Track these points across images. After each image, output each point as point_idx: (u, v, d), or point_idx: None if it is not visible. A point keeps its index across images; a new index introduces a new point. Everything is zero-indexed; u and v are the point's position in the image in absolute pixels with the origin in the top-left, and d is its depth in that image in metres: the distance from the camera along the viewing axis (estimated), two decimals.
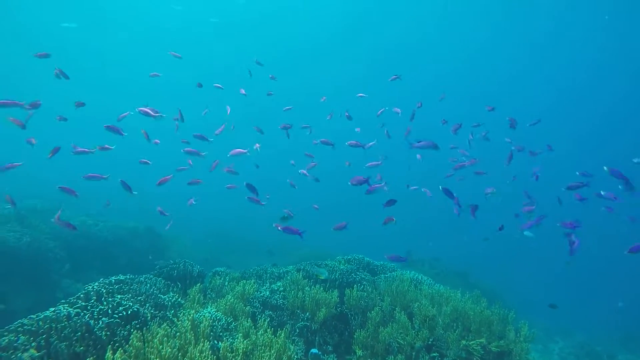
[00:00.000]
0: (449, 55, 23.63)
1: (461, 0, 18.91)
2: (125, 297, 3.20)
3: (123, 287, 3.35)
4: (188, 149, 6.36)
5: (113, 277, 3.49)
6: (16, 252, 6.72)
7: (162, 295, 3.49)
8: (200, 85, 7.31)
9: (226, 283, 4.92)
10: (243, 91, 7.65)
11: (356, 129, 8.58)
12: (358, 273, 5.81)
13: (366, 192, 5.69)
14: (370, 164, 7.25)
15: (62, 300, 3.44)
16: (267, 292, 5.02)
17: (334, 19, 20.61)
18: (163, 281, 3.81)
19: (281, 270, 5.80)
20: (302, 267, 5.61)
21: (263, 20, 20.38)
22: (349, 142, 6.94)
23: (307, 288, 4.89)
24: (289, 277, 5.39)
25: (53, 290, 6.91)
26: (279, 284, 5.40)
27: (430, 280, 6.37)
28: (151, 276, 3.80)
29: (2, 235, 6.70)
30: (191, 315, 2.88)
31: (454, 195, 5.92)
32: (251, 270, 5.77)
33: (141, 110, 5.79)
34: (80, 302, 3.15)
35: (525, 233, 6.77)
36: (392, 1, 19.27)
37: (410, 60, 23.66)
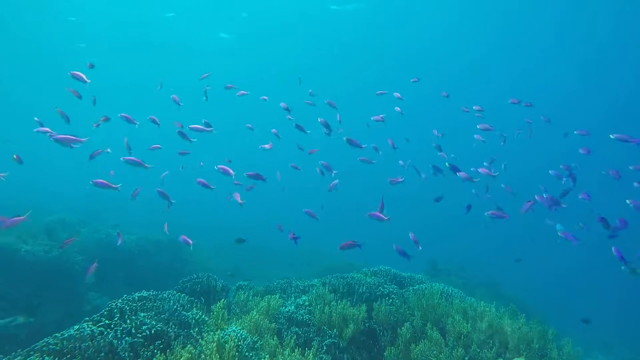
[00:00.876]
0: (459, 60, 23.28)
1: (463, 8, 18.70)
2: (149, 315, 3.11)
3: (146, 304, 3.27)
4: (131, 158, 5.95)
5: (136, 294, 3.41)
6: (45, 265, 6.83)
7: (185, 313, 3.38)
8: (206, 93, 7.46)
9: (250, 297, 4.80)
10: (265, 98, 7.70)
11: (396, 109, 8.24)
12: (386, 286, 5.57)
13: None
14: (392, 179, 7.10)
15: (87, 318, 3.38)
16: (293, 307, 4.86)
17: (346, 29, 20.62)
18: (187, 297, 3.71)
19: (306, 284, 5.64)
20: (327, 280, 5.44)
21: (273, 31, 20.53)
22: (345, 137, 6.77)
23: (333, 303, 4.71)
24: (314, 291, 5.22)
25: (80, 303, 6.97)
26: (304, 298, 5.23)
27: (460, 293, 6.07)
28: (174, 292, 3.71)
29: (32, 249, 6.83)
30: (217, 336, 2.75)
31: (459, 170, 5.92)
32: (275, 283, 5.64)
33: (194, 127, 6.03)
34: (104, 319, 3.08)
35: (558, 227, 6.47)
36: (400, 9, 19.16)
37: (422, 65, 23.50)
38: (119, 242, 6.25)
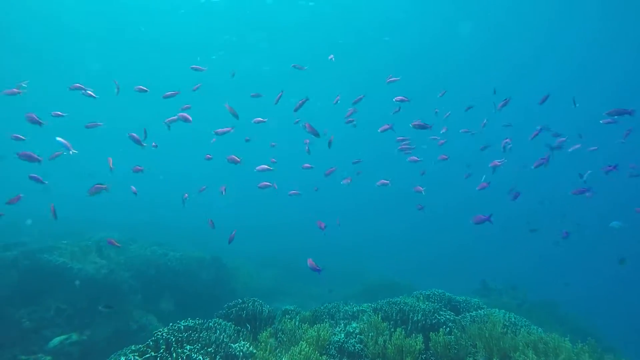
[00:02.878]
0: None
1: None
2: (195, 347, 2.92)
3: (192, 334, 3.09)
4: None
5: (182, 323, 3.25)
6: (96, 283, 6.97)
7: (232, 345, 3.17)
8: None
9: (297, 323, 4.54)
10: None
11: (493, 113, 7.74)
12: (442, 313, 5.12)
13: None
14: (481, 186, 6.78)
15: (132, 347, 3.26)
16: (342, 335, 4.54)
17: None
18: (233, 326, 3.52)
19: (355, 309, 5.31)
20: (379, 306, 5.07)
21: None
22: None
23: (386, 332, 4.34)
24: (365, 319, 4.87)
25: (127, 322, 7.03)
26: (354, 325, 4.90)
27: (525, 321, 5.46)
28: (220, 321, 3.52)
29: (84, 267, 7.01)
30: None
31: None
32: (322, 308, 5.36)
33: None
34: (150, 351, 2.93)
35: (613, 224, 5.95)
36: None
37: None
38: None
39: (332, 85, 22.76)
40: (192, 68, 7.47)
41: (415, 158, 7.51)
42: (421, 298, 5.88)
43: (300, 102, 6.50)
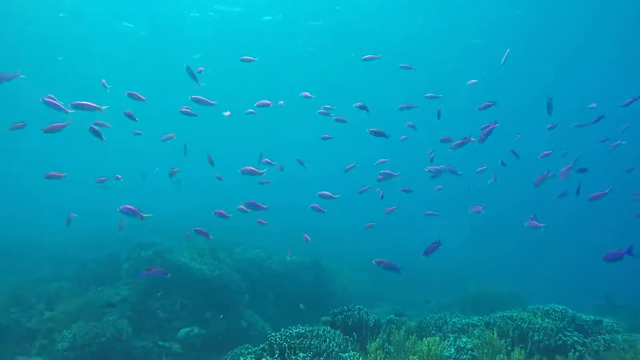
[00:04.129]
0: None
1: None
2: (307, 355, 2.96)
3: (304, 341, 3.15)
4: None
5: (294, 329, 3.34)
6: (211, 282, 7.68)
7: (342, 354, 3.15)
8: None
9: (403, 335, 4.36)
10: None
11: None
12: (567, 334, 4.42)
13: None
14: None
15: (249, 349, 3.46)
16: (453, 350, 4.22)
17: None
18: (341, 335, 3.50)
19: (464, 322, 4.90)
20: (492, 321, 4.60)
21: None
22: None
23: (503, 351, 3.89)
24: (476, 333, 4.47)
25: (237, 320, 7.59)
26: (464, 340, 4.52)
27: None
28: (329, 329, 3.53)
29: (201, 267, 7.78)
30: None
31: None
32: (428, 319, 5.07)
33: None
34: (265, 355, 3.05)
35: None
36: None
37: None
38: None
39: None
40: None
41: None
42: (539, 314, 5.18)
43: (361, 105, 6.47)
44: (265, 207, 6.08)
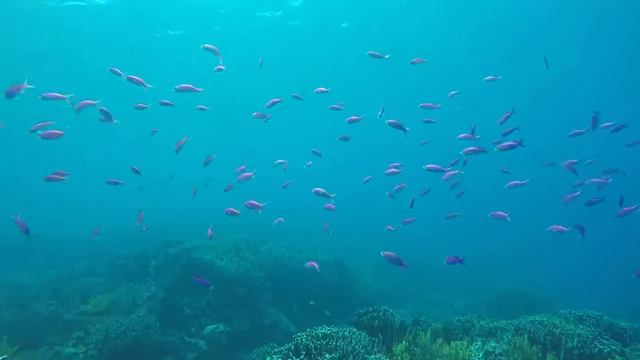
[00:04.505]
0: None
1: None
2: (334, 356, 2.95)
3: (330, 342, 3.14)
4: None
5: (320, 330, 3.34)
6: (236, 280, 7.80)
7: (368, 356, 3.13)
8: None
9: (429, 337, 4.29)
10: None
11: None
12: (604, 341, 4.24)
13: None
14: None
15: (275, 347, 3.49)
16: (481, 355, 4.12)
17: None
18: (367, 337, 3.47)
19: (492, 325, 4.77)
20: (521, 325, 4.45)
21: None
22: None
23: (534, 358, 3.77)
24: (505, 338, 4.34)
25: (261, 317, 7.67)
26: (493, 345, 4.40)
27: None
28: (355, 330, 3.51)
29: (226, 265, 7.91)
30: None
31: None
32: (455, 321, 4.96)
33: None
34: (292, 355, 3.06)
35: None
36: None
37: None
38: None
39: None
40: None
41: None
42: (571, 319, 4.99)
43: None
44: (261, 205, 6.08)
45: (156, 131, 8.36)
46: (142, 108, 6.33)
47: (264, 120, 7.43)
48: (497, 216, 6.30)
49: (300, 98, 7.69)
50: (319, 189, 6.37)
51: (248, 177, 6.55)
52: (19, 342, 5.00)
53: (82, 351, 6.20)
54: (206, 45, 6.36)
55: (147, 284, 7.51)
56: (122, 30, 16.80)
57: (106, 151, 32.90)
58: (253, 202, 6.15)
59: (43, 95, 5.24)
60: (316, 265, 6.24)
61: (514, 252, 24.68)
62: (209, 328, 6.87)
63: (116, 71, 6.23)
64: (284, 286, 8.64)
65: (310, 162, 7.86)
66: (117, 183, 6.97)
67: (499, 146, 5.95)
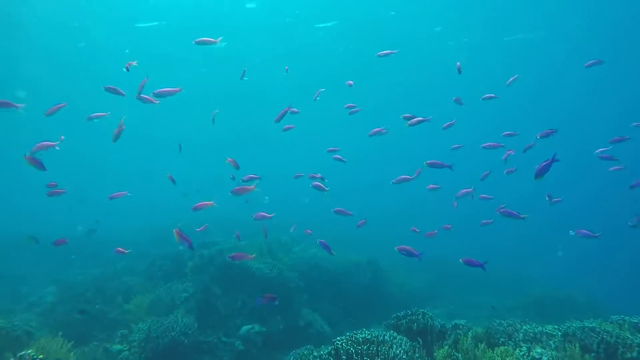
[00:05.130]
0: None
1: None
2: None
3: (371, 347, 3.10)
4: None
5: (360, 335, 3.31)
6: (269, 281, 7.89)
7: None
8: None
9: (470, 340, 4.16)
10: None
11: None
12: None
13: None
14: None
15: (314, 351, 3.49)
16: None
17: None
18: (408, 342, 3.40)
19: (537, 330, 4.56)
20: (571, 331, 4.22)
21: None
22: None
23: None
24: (552, 345, 4.14)
25: (295, 319, 7.72)
26: (539, 351, 4.20)
27: None
28: (395, 334, 3.46)
29: (260, 266, 8.02)
30: None
31: None
32: (496, 325, 4.79)
33: None
34: (332, 359, 3.04)
35: None
36: None
37: None
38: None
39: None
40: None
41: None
42: (626, 327, 4.68)
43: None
44: (270, 216, 6.27)
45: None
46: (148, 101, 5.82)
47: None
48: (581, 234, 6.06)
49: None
50: (316, 182, 6.60)
51: (247, 191, 6.03)
52: (71, 338, 5.28)
53: (126, 348, 6.48)
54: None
55: (185, 284, 7.73)
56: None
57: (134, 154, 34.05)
58: (262, 213, 6.29)
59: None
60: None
61: (553, 252, 23.67)
62: (244, 328, 6.99)
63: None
64: (317, 287, 8.67)
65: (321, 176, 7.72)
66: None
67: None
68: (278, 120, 7.08)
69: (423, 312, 4.24)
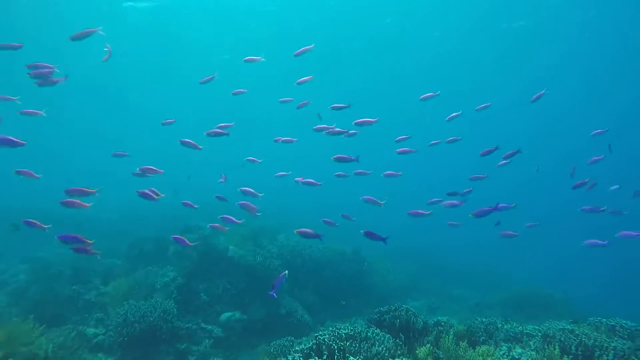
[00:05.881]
0: None
1: None
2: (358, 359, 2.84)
3: (353, 344, 3.03)
4: None
5: (343, 330, 3.23)
6: (252, 268, 7.79)
7: None
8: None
9: (452, 338, 4.15)
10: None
11: None
12: None
13: None
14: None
15: (296, 345, 3.41)
16: None
17: None
18: (391, 339, 3.35)
19: (518, 330, 4.59)
20: (550, 333, 4.24)
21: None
22: None
23: None
24: (532, 345, 4.17)
25: (277, 306, 7.65)
26: (519, 351, 4.23)
27: None
28: (378, 331, 3.40)
29: (243, 253, 7.90)
30: None
31: None
32: (477, 323, 4.80)
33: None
34: (314, 355, 2.97)
35: None
36: None
37: None
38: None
39: None
40: None
41: None
42: (602, 329, 4.75)
43: None
44: (256, 208, 6.26)
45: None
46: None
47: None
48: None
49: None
50: (307, 179, 6.66)
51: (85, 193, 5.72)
52: (44, 320, 5.09)
53: (102, 332, 6.32)
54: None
55: (165, 268, 7.55)
56: None
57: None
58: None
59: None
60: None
61: (531, 249, 24.24)
62: (225, 315, 6.90)
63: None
64: (300, 275, 8.61)
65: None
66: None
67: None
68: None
69: (406, 308, 4.20)
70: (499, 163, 7.38)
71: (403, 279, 11.76)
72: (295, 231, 5.31)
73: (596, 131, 7.79)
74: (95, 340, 6.14)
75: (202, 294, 7.21)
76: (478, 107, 7.84)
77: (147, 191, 5.63)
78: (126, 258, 9.26)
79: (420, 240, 19.05)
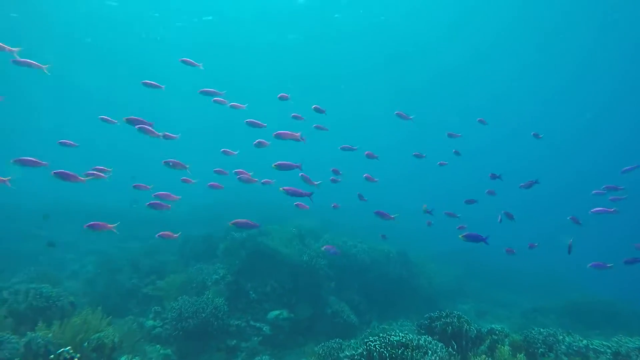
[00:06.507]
0: None
1: None
2: None
3: (405, 352, 2.98)
4: None
5: (394, 337, 3.19)
6: (299, 267, 7.90)
7: None
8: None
9: (507, 348, 3.96)
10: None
11: None
12: None
13: None
14: None
15: (346, 350, 3.42)
16: None
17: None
18: (444, 348, 3.26)
19: (582, 344, 4.28)
20: (623, 351, 3.92)
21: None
22: None
23: None
24: None
25: (323, 306, 7.72)
26: None
27: None
28: (430, 339, 3.32)
29: (290, 252, 8.05)
30: None
31: None
32: (535, 333, 4.53)
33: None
34: None
35: None
36: None
37: None
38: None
39: None
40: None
41: None
42: None
43: None
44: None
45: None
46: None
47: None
48: None
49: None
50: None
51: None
52: (109, 310, 5.50)
53: (159, 325, 6.72)
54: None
55: (215, 266, 7.88)
56: None
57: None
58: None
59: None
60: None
61: (587, 253, 22.51)
62: (273, 314, 7.07)
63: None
64: (346, 276, 8.62)
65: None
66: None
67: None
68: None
69: (458, 315, 4.07)
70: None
71: (448, 281, 11.42)
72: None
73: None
74: (154, 332, 6.54)
75: (250, 292, 7.44)
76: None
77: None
78: (179, 254, 9.77)
79: (464, 243, 18.34)
